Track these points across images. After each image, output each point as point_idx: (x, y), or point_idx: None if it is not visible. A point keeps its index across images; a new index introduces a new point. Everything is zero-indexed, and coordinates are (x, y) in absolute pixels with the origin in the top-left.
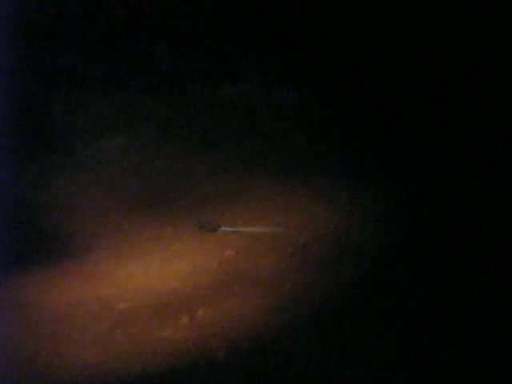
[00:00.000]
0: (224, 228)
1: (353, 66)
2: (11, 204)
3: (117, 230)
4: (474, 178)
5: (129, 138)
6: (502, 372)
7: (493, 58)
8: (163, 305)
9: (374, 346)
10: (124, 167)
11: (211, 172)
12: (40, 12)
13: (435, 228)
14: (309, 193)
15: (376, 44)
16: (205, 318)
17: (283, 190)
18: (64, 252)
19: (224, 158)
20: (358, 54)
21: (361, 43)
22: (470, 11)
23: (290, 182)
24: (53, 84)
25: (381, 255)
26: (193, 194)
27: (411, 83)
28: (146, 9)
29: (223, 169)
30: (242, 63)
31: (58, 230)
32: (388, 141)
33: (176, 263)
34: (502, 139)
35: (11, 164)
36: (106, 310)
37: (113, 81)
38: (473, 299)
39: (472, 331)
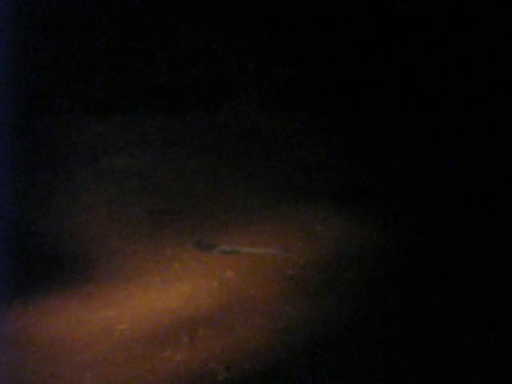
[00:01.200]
0: (223, 247)
1: (355, 91)
2: (10, 227)
3: (117, 251)
4: (472, 190)
5: (128, 159)
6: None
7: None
8: (163, 326)
9: (375, 371)
10: (124, 188)
11: (211, 192)
12: (39, 32)
13: (437, 249)
14: (309, 213)
15: (377, 66)
16: (205, 338)
17: (283, 210)
18: (64, 273)
19: (224, 178)
20: (361, 76)
21: (362, 65)
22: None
23: (290, 203)
24: (52, 105)
25: (382, 277)
26: (192, 215)
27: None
28: (145, 29)
29: (223, 189)
30: (241, 84)
31: (57, 252)
32: (388, 159)
33: (176, 284)
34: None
35: (10, 186)
36: (106, 331)
37: (112, 101)
38: (474, 316)
39: (474, 348)
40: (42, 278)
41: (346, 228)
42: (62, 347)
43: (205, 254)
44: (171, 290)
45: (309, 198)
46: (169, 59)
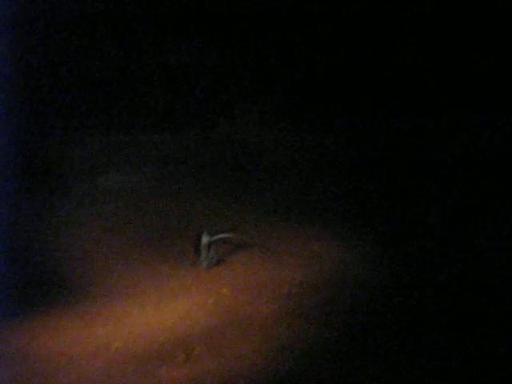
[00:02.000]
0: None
1: (350, 110)
2: (9, 244)
3: (113, 268)
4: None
5: (126, 177)
6: None
7: None
8: (160, 343)
9: None
10: (120, 206)
11: (207, 210)
12: (38, 53)
13: (433, 269)
14: (306, 232)
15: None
16: (201, 355)
17: (280, 228)
18: (61, 291)
19: (221, 195)
20: (357, 96)
21: (358, 84)
22: None
23: (287, 221)
24: (50, 123)
25: (377, 295)
26: (189, 233)
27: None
28: (142, 48)
29: (219, 207)
30: (239, 101)
31: (55, 269)
32: (386, 179)
33: (172, 301)
34: None
35: (9, 204)
36: (102, 349)
37: (110, 119)
38: (474, 340)
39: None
40: (39, 296)
41: (342, 246)
42: (59, 364)
43: (200, 271)
44: (167, 308)
45: (306, 217)
46: (166, 78)
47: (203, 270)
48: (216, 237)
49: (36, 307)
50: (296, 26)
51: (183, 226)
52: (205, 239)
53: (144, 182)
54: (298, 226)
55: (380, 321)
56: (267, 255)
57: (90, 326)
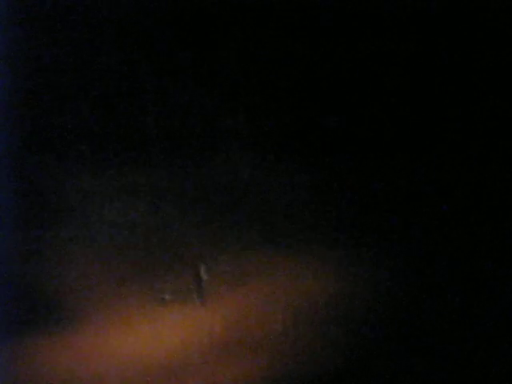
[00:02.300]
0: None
1: (349, 149)
2: (1, 278)
3: (106, 303)
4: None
5: (119, 211)
6: None
7: None
8: (153, 379)
9: None
10: (113, 241)
11: (202, 246)
12: (28, 82)
13: (432, 306)
14: (302, 266)
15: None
16: None
17: (277, 266)
18: (53, 325)
19: (215, 231)
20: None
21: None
22: None
23: (285, 259)
24: (41, 156)
25: (373, 330)
26: (183, 266)
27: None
28: (136, 79)
29: (214, 243)
30: (234, 134)
31: (47, 304)
32: (384, 211)
33: (166, 335)
34: None
35: (1, 238)
36: (95, 381)
37: (102, 153)
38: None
39: None
40: (30, 330)
41: (338, 284)
42: None
43: (193, 308)
44: (161, 342)
45: (300, 253)
46: (159, 111)
47: (197, 307)
48: (211, 271)
49: (26, 341)
50: (293, 66)
51: (177, 259)
52: (203, 273)
53: (137, 217)
54: (294, 262)
55: (378, 341)
56: (261, 290)
57: (81, 361)
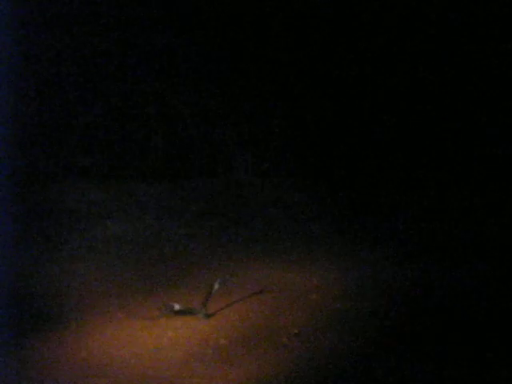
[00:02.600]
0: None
1: (350, 162)
2: (7, 292)
3: (111, 319)
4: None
5: (123, 226)
6: None
7: None
8: None
9: None
10: (118, 255)
11: (206, 259)
12: (36, 99)
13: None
14: (304, 281)
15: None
16: None
17: (278, 277)
18: (58, 341)
19: (219, 245)
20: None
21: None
22: None
23: (285, 270)
24: (48, 172)
25: (371, 348)
26: (187, 282)
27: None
28: (141, 96)
29: (218, 256)
30: (237, 151)
31: (51, 319)
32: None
33: (170, 352)
34: None
35: (6, 252)
36: None
37: (108, 169)
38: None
39: None
40: (36, 347)
41: (339, 296)
42: None
43: (198, 321)
44: (166, 358)
45: (305, 267)
46: (164, 128)
47: (201, 320)
48: (217, 286)
49: (30, 358)
50: (297, 78)
51: (180, 274)
52: (216, 286)
53: (142, 231)
54: (297, 276)
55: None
56: (265, 304)
57: (86, 377)
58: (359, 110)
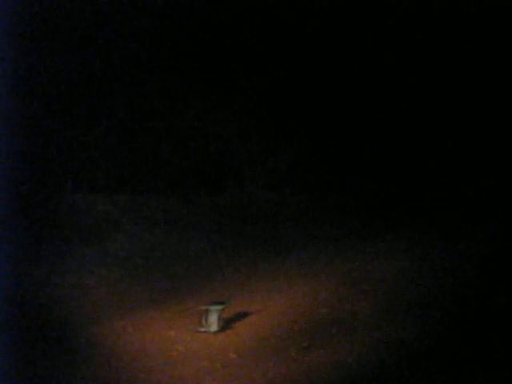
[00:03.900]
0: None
1: (361, 173)
2: (16, 306)
3: (120, 333)
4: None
5: (133, 239)
6: None
7: None
8: None
9: None
10: (127, 268)
11: (215, 273)
12: (44, 111)
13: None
14: (313, 294)
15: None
16: None
17: (287, 292)
18: (67, 354)
19: (228, 259)
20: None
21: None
22: None
23: (295, 287)
24: (57, 185)
25: (383, 363)
26: (196, 295)
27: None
28: (149, 109)
29: (226, 270)
30: (245, 165)
31: (60, 333)
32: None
33: (179, 366)
34: None
35: (14, 265)
36: None
37: (117, 182)
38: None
39: None
40: (44, 361)
41: (349, 311)
42: None
43: (208, 335)
44: (175, 373)
45: (316, 283)
46: (173, 140)
47: (210, 335)
48: (223, 305)
49: (40, 374)
50: (304, 88)
51: (190, 289)
52: (214, 306)
53: (151, 245)
54: (308, 291)
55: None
56: (274, 318)
57: None
58: (370, 125)
